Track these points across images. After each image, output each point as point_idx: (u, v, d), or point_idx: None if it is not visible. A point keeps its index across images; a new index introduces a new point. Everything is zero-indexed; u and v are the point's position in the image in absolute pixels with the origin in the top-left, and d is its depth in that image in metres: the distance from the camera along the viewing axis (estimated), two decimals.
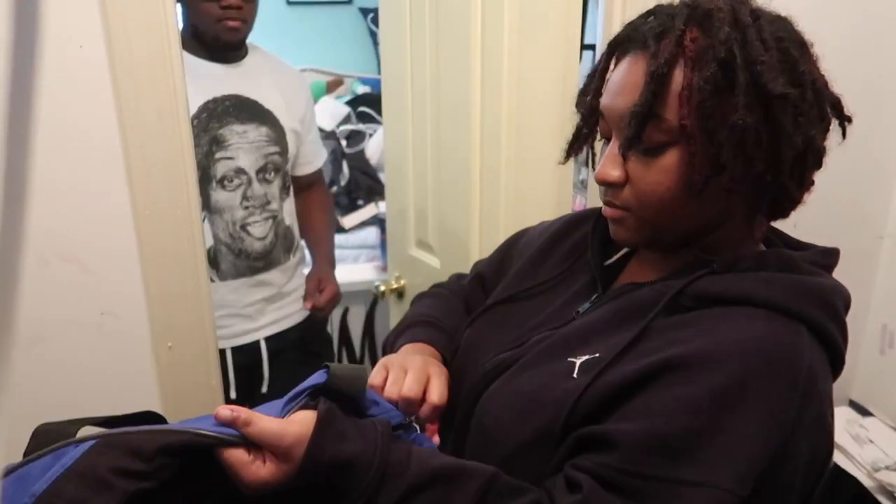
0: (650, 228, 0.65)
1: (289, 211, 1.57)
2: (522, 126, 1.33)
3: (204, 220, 1.40)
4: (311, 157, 1.68)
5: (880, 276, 1.36)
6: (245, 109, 1.45)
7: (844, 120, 0.65)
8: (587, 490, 0.55)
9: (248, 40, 1.51)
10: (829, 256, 0.69)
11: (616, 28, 1.11)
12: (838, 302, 0.63)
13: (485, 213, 1.45)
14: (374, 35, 2.95)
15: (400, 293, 1.69)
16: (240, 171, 1.42)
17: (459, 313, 0.89)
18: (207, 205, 1.40)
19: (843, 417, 1.37)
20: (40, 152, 0.90)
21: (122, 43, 0.89)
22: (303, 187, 1.70)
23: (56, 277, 0.94)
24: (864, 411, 1.41)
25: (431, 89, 1.57)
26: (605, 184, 0.65)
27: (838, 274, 0.68)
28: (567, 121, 1.38)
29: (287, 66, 1.63)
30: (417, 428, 0.69)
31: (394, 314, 1.75)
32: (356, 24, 2.99)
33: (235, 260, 1.46)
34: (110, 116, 0.91)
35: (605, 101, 0.65)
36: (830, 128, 0.65)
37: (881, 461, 1.24)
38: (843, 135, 0.66)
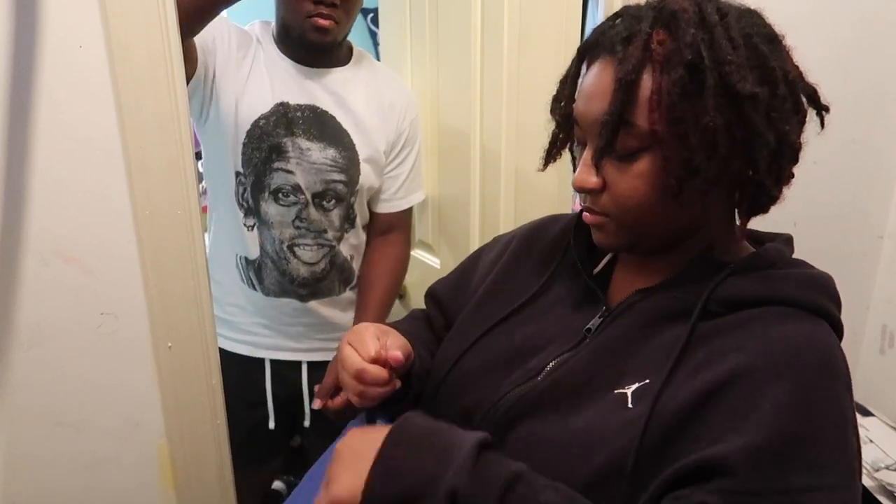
0: (631, 233, 0.65)
1: (352, 244, 1.40)
2: (522, 126, 1.33)
3: (253, 228, 1.32)
4: (395, 195, 1.43)
5: (880, 276, 1.36)
6: (316, 125, 1.29)
7: (821, 109, 0.65)
8: None
9: (360, 48, 1.38)
10: (791, 244, 0.71)
11: None
12: (837, 291, 0.65)
13: (485, 213, 1.45)
14: (374, 35, 2.95)
15: (401, 293, 1.69)
16: (297, 189, 1.29)
17: (422, 327, 0.89)
18: (257, 214, 1.31)
19: None
20: (40, 152, 0.90)
21: (122, 43, 0.89)
22: (378, 229, 1.45)
23: (56, 277, 0.94)
24: (864, 411, 1.41)
25: (431, 89, 1.57)
26: (582, 191, 0.66)
27: (839, 274, 0.69)
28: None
29: (395, 86, 1.41)
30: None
31: (395, 314, 1.76)
32: (356, 24, 2.98)
33: (281, 278, 1.35)
34: (110, 116, 0.91)
35: (579, 107, 0.64)
36: (807, 118, 0.64)
37: (881, 461, 1.24)
38: (822, 124, 0.66)
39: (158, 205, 0.96)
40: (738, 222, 0.66)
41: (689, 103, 0.57)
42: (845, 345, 0.61)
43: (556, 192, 1.36)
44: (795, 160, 0.64)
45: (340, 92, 1.31)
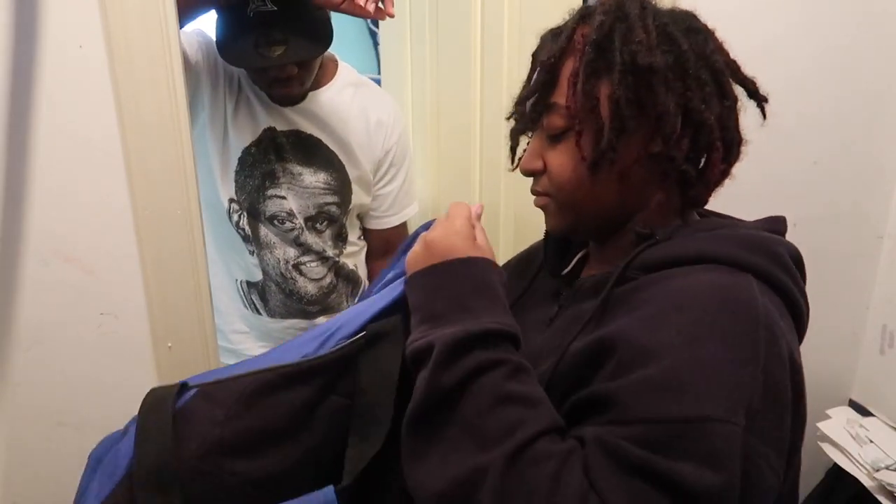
0: (571, 212, 0.70)
1: (352, 253, 1.39)
2: None
3: (253, 253, 1.31)
4: (386, 212, 1.40)
5: (880, 276, 1.36)
6: (303, 149, 1.27)
7: (760, 100, 0.69)
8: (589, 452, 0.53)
9: (338, 59, 1.33)
10: (777, 223, 0.70)
11: None
12: (780, 249, 0.63)
13: (485, 214, 1.45)
14: (374, 35, 2.95)
15: None
16: (291, 215, 1.28)
17: None
18: (256, 239, 1.30)
19: (843, 417, 1.37)
20: (40, 152, 0.90)
21: (121, 43, 0.89)
22: (377, 250, 1.44)
23: (56, 278, 0.94)
24: (864, 411, 1.41)
25: (431, 89, 1.57)
26: (526, 173, 0.72)
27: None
28: None
29: (380, 102, 1.36)
30: None
31: None
32: (356, 23, 2.98)
33: (286, 300, 1.34)
34: (110, 116, 0.91)
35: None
36: (740, 110, 0.67)
37: (881, 461, 1.24)
38: (763, 115, 0.69)
39: (158, 205, 0.96)
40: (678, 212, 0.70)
41: (598, 80, 0.63)
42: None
43: None
44: (720, 150, 0.65)
45: (323, 115, 1.28)
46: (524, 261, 0.89)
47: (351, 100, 1.32)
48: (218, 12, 1.15)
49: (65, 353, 0.98)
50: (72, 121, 0.90)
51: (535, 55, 0.72)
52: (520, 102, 0.72)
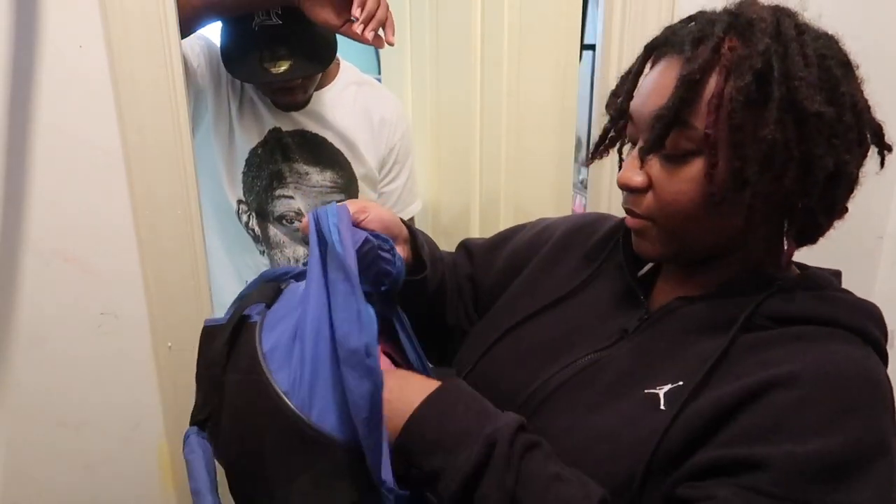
0: (673, 240, 0.63)
1: None
2: (522, 126, 1.33)
3: (264, 253, 1.32)
4: (392, 208, 1.37)
5: (880, 276, 1.36)
6: (309, 149, 1.29)
7: (885, 149, 0.64)
8: None
9: (340, 58, 1.33)
10: (839, 277, 0.69)
11: (616, 28, 1.11)
12: (883, 321, 0.63)
13: (485, 213, 1.45)
14: None
15: None
16: (299, 214, 1.30)
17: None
18: (266, 239, 1.31)
19: None
20: (40, 152, 0.90)
21: (122, 43, 0.89)
22: None
23: (56, 277, 0.94)
24: None
25: (431, 89, 1.57)
26: (626, 188, 0.63)
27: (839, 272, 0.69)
28: (567, 121, 1.39)
29: (383, 100, 1.37)
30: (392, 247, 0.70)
31: None
32: None
33: None
34: (110, 116, 0.91)
35: (635, 103, 0.63)
36: (868, 155, 0.63)
37: None
38: (882, 163, 0.64)
39: (158, 205, 0.96)
40: (785, 247, 0.65)
41: (750, 113, 0.55)
42: None
43: (556, 192, 1.37)
44: (851, 192, 0.63)
45: (326, 114, 1.29)
46: (579, 237, 0.82)
47: (354, 98, 1.33)
48: (223, 23, 1.17)
49: (65, 352, 0.98)
50: (72, 121, 0.90)
51: (650, 46, 0.64)
52: (616, 95, 0.66)
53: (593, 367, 0.66)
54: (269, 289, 0.69)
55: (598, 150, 0.72)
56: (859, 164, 0.62)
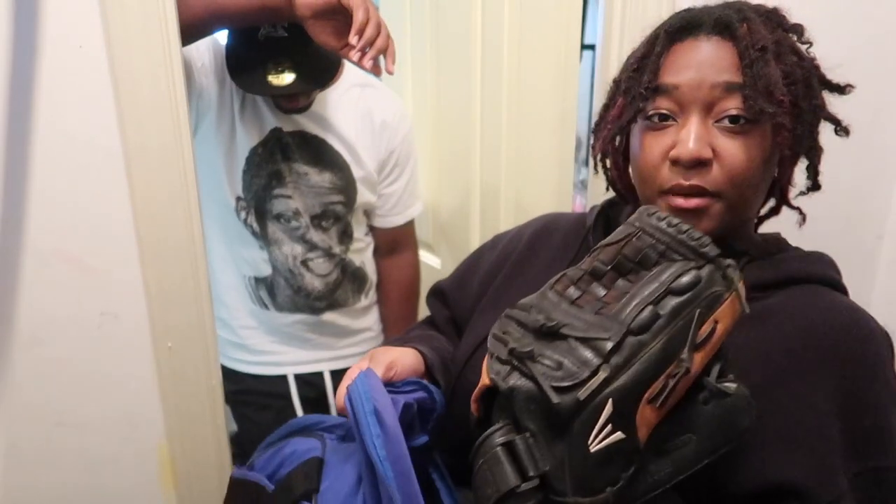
0: (734, 214, 0.64)
1: (359, 249, 1.41)
2: (522, 126, 1.33)
3: (263, 249, 1.33)
4: (391, 210, 1.43)
5: (880, 276, 1.36)
6: (309, 150, 1.29)
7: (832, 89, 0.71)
8: None
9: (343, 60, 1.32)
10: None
11: (616, 28, 1.11)
12: (833, 263, 0.72)
13: (485, 213, 1.45)
14: None
15: None
16: (297, 213, 1.31)
17: (432, 331, 0.91)
18: (264, 236, 1.32)
19: None
20: (40, 152, 0.90)
21: (121, 43, 0.89)
22: (384, 247, 1.46)
23: (56, 277, 0.94)
24: None
25: (431, 89, 1.57)
26: (697, 162, 0.61)
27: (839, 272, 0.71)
28: (567, 121, 1.39)
29: (385, 102, 1.37)
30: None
31: None
32: None
33: (294, 296, 1.35)
34: (110, 116, 0.91)
35: (684, 76, 0.63)
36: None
37: None
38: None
39: (159, 205, 0.96)
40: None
41: (805, 86, 0.64)
42: None
43: (556, 192, 1.36)
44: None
45: (328, 116, 1.30)
46: (542, 240, 0.83)
47: (356, 101, 1.33)
48: (229, 31, 1.18)
49: (65, 353, 0.98)
50: (72, 121, 0.90)
51: (672, 30, 0.65)
52: (640, 72, 0.67)
53: None
54: (311, 467, 0.65)
55: (622, 130, 0.69)
56: None
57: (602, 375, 0.45)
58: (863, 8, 1.21)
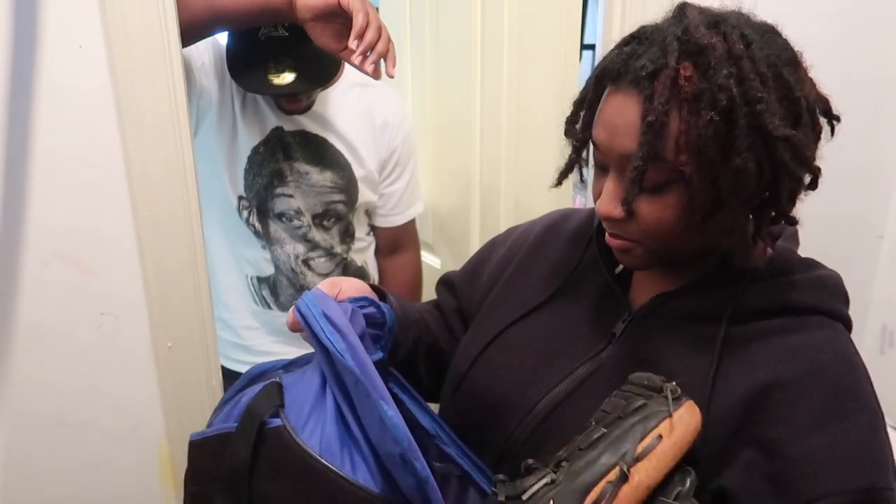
0: (658, 256, 0.66)
1: (360, 249, 1.41)
2: (522, 126, 1.33)
3: (265, 248, 1.33)
4: (392, 210, 1.43)
5: (880, 276, 1.36)
6: (311, 149, 1.29)
7: (832, 119, 0.65)
8: None
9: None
10: (796, 237, 0.74)
11: (616, 28, 1.11)
12: (844, 288, 0.69)
13: (485, 213, 1.45)
14: None
15: None
16: (298, 212, 1.31)
17: (427, 308, 0.91)
18: (266, 235, 1.32)
19: None
20: (39, 151, 0.90)
21: (122, 43, 0.89)
22: (385, 247, 1.47)
23: (56, 277, 0.94)
24: None
25: (431, 90, 1.57)
26: (608, 220, 0.64)
27: (839, 272, 0.70)
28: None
29: (386, 102, 1.37)
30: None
31: None
32: None
33: (297, 295, 1.34)
34: (110, 116, 0.91)
35: (601, 136, 0.63)
36: (823, 133, 0.65)
37: None
38: (832, 132, 0.66)
39: (158, 205, 0.96)
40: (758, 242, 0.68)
41: (719, 144, 0.56)
42: None
43: (555, 191, 1.36)
44: (815, 185, 0.66)
45: (329, 115, 1.30)
46: (551, 238, 0.84)
47: (357, 101, 1.33)
48: (230, 31, 1.19)
49: (65, 353, 0.98)
50: (72, 121, 0.90)
51: (601, 76, 0.63)
52: (573, 122, 0.69)
53: (591, 378, 0.68)
54: (271, 390, 0.64)
55: (565, 174, 0.74)
56: (816, 148, 0.65)
57: (545, 480, 0.55)
58: (861, 7, 1.21)
